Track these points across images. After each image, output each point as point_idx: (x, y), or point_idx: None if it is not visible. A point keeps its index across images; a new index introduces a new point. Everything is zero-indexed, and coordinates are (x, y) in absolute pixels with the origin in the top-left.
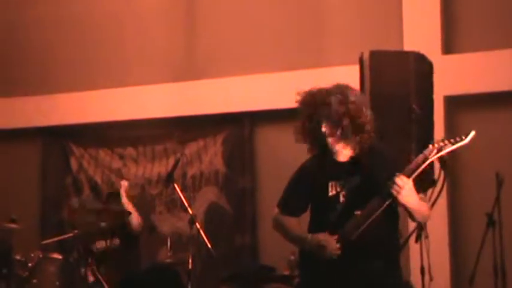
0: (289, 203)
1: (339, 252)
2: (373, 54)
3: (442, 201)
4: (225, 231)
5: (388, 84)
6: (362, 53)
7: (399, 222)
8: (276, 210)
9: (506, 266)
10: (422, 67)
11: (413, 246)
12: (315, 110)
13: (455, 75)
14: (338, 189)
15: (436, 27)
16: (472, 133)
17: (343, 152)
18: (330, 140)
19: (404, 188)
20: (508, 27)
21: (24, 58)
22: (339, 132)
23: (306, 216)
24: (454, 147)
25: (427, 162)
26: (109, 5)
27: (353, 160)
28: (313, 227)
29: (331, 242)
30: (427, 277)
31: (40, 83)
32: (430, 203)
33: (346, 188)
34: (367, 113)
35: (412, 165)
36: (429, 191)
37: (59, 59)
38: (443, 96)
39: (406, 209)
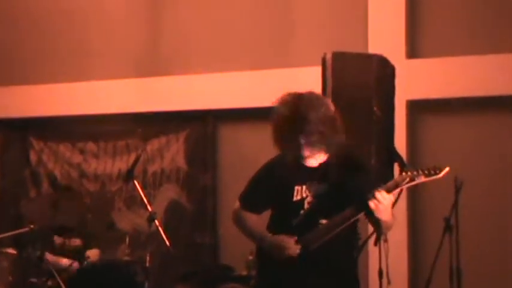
0: (251, 201)
1: (298, 252)
2: (336, 55)
3: (402, 205)
4: (185, 230)
5: (350, 86)
6: (325, 54)
7: (358, 239)
8: (237, 203)
9: (462, 271)
10: (384, 70)
11: (372, 249)
12: (296, 120)
13: (418, 80)
14: (304, 195)
15: (401, 31)
16: (446, 169)
17: (314, 158)
18: (304, 146)
19: (383, 204)
20: (470, 34)
21: None
22: (314, 140)
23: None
24: (427, 179)
25: (397, 189)
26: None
27: (323, 167)
28: (274, 228)
29: (291, 243)
30: (384, 280)
31: (0, 74)
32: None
33: (312, 195)
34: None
35: (392, 183)
36: None
37: (21, 51)
38: (406, 101)
39: (377, 222)
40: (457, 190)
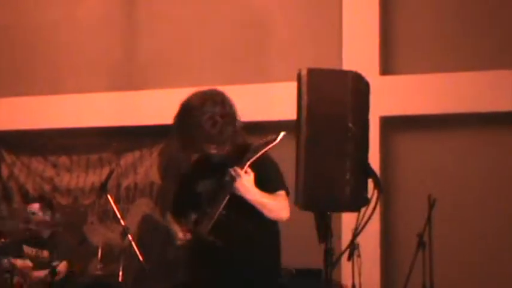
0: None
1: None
2: (311, 71)
3: (375, 221)
4: (158, 244)
5: (326, 102)
6: (300, 70)
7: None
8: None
9: (435, 287)
10: (359, 86)
11: (346, 264)
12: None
13: (391, 96)
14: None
15: (375, 48)
16: (282, 133)
17: (219, 152)
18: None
19: (240, 180)
20: (444, 51)
21: None
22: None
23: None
24: (268, 148)
25: (249, 162)
26: (48, 12)
27: (221, 161)
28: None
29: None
30: None
31: None
32: (364, 221)
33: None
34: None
35: (244, 159)
36: (362, 210)
37: None
38: (380, 117)
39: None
40: (430, 207)
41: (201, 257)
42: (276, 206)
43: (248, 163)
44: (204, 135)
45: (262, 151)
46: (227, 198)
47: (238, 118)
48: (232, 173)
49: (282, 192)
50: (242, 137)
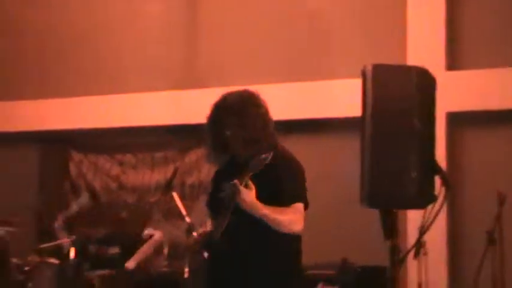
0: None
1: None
2: (376, 67)
3: (442, 218)
4: None
5: (391, 98)
6: (365, 66)
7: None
8: None
9: (507, 286)
10: (425, 82)
11: (412, 262)
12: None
13: (458, 92)
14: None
15: (441, 43)
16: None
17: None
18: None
19: (240, 193)
20: (510, 45)
21: (24, 62)
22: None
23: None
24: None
25: (247, 177)
26: (110, 12)
27: (244, 161)
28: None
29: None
30: None
31: (40, 87)
32: (430, 219)
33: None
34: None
35: (241, 176)
36: (429, 207)
37: (60, 64)
38: (446, 113)
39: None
40: (501, 203)
41: (215, 265)
42: (284, 220)
43: (245, 179)
44: (233, 136)
45: (255, 171)
46: (231, 209)
47: (270, 118)
48: (232, 188)
49: (298, 205)
50: (273, 138)
